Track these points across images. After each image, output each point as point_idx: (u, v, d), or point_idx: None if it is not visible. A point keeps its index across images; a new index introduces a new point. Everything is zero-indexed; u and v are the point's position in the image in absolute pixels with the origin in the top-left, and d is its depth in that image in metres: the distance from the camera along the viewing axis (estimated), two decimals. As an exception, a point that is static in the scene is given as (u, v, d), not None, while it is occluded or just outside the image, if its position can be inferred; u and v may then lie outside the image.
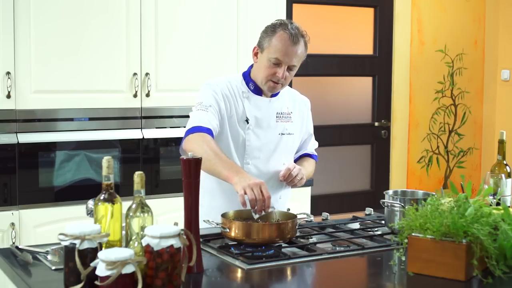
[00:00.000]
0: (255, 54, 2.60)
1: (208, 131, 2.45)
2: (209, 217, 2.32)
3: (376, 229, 2.51)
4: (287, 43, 2.49)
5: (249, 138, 2.59)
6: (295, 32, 2.51)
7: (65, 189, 3.51)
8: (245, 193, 2.20)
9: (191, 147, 2.40)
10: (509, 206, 2.38)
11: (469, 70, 5.43)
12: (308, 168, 2.76)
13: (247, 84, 2.63)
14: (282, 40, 2.50)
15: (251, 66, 2.66)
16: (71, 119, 3.53)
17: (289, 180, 2.59)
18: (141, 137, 3.68)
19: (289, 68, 2.54)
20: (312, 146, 2.88)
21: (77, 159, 3.53)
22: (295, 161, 2.79)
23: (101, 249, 1.69)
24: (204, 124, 2.46)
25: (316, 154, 2.90)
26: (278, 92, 2.67)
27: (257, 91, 2.62)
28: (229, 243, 2.23)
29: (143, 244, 1.68)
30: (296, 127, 2.73)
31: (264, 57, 2.54)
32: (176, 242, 1.68)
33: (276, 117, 2.65)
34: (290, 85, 2.79)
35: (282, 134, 2.66)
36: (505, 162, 2.73)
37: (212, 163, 2.32)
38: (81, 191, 3.51)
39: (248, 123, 2.59)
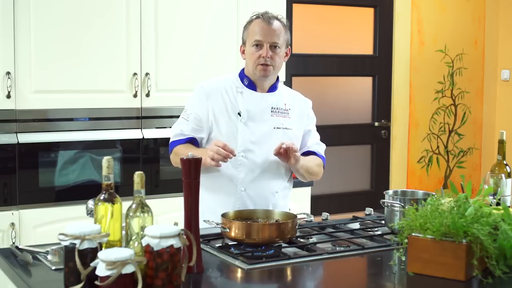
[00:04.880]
0: (243, 52, 2.71)
1: (190, 140, 2.65)
2: (205, 215, 2.34)
3: (376, 229, 2.51)
4: (262, 24, 2.62)
5: (241, 131, 2.62)
6: (267, 15, 2.64)
7: (65, 189, 3.51)
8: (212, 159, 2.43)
9: (177, 161, 2.51)
10: (509, 206, 2.38)
11: (469, 70, 5.43)
12: (310, 161, 2.70)
13: (242, 80, 2.71)
14: (256, 24, 2.63)
15: None
16: (71, 119, 3.53)
17: (281, 151, 2.51)
18: (141, 137, 3.68)
19: (273, 47, 2.60)
20: (316, 145, 2.80)
21: (77, 159, 3.53)
22: None
23: (101, 249, 1.70)
24: (183, 136, 2.66)
25: (324, 156, 2.82)
26: (275, 88, 2.70)
27: (252, 86, 2.68)
28: (229, 243, 2.24)
29: (143, 244, 1.68)
30: (294, 123, 2.71)
31: (248, 47, 2.66)
32: (176, 242, 1.68)
33: (271, 111, 2.67)
34: (291, 86, 2.79)
35: (278, 128, 2.66)
36: (505, 162, 2.73)
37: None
38: (81, 191, 3.51)
39: (240, 115, 2.63)
